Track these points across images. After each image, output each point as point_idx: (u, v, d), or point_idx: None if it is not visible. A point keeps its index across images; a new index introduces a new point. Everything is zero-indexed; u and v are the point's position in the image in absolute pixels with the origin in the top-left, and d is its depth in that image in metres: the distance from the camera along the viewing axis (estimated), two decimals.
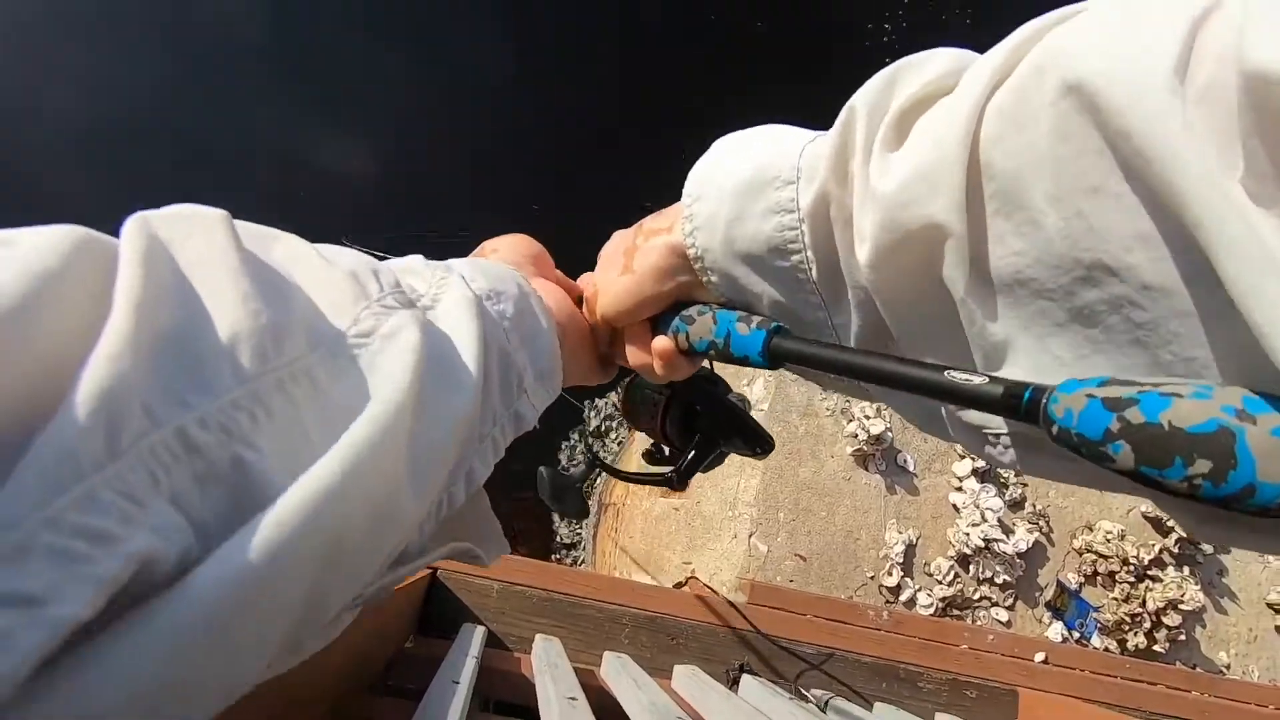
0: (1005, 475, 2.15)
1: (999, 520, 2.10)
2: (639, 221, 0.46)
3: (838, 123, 0.34)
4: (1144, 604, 2.10)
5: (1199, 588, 2.12)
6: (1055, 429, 0.24)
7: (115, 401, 0.17)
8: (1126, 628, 2.09)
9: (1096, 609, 2.14)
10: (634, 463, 2.53)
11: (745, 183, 0.37)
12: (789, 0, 3.75)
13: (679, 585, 2.06)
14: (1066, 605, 2.14)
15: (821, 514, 2.09)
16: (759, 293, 0.40)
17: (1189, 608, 2.07)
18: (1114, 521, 2.21)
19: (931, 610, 2.05)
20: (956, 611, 2.09)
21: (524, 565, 1.28)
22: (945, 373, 0.29)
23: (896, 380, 0.31)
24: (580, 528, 3.03)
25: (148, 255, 0.20)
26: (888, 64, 0.32)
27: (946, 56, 0.32)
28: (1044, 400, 0.24)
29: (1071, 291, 0.26)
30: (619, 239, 0.47)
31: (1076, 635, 2.12)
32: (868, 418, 2.11)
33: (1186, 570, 2.17)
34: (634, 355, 0.47)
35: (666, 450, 0.59)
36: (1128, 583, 2.13)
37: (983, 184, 0.28)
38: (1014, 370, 0.29)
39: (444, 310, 0.33)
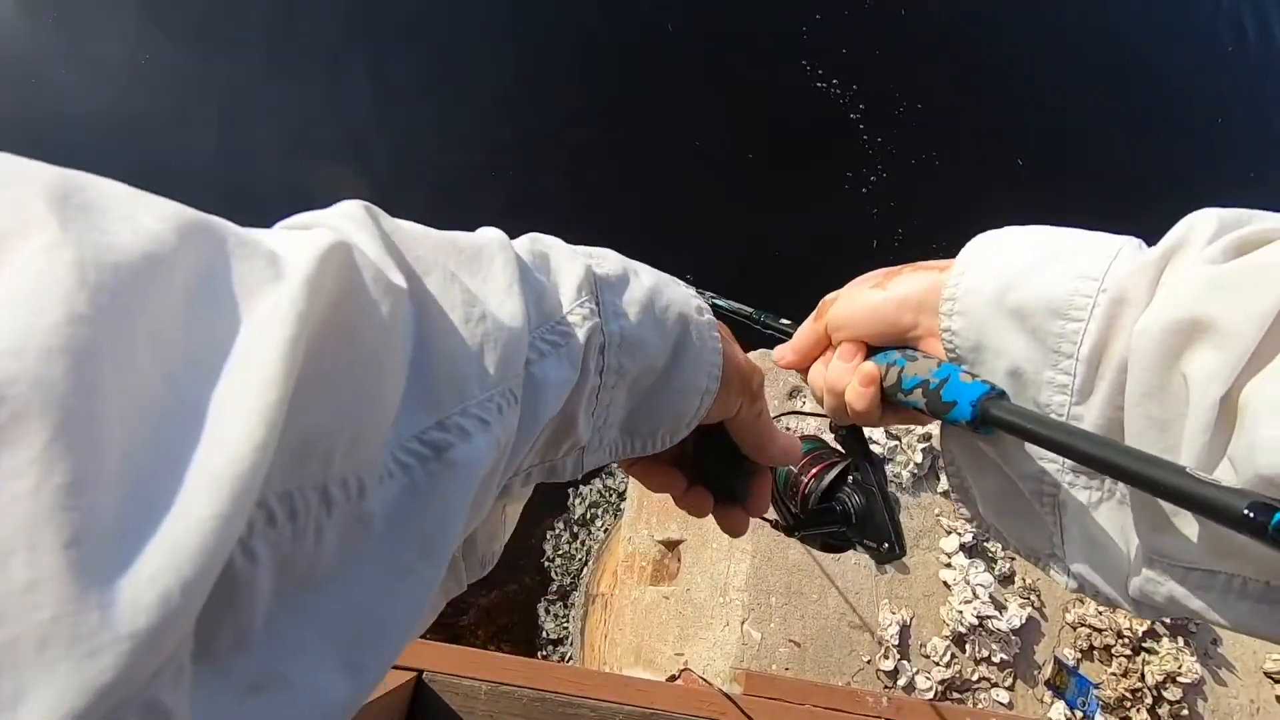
0: (993, 550, 2.15)
1: (990, 596, 2.08)
2: None
3: (1181, 223, 0.35)
4: (1143, 678, 2.07)
5: (1195, 659, 2.09)
6: None
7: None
8: (1129, 704, 2.05)
9: (1097, 685, 2.10)
10: (618, 553, 2.48)
11: (1059, 246, 0.38)
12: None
13: (672, 678, 1.99)
14: (1066, 683, 2.09)
15: (813, 597, 2.06)
16: (1003, 353, 0.39)
17: (1188, 680, 2.04)
18: None
19: (931, 694, 2.00)
20: (956, 694, 2.03)
21: (512, 664, 1.24)
22: (1187, 470, 0.28)
23: (1122, 472, 0.30)
24: (567, 621, 2.93)
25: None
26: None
27: None
28: None
29: None
30: (886, 269, 0.47)
31: (1080, 714, 2.07)
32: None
33: (1181, 641, 2.15)
34: (834, 372, 0.46)
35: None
36: (1124, 656, 2.10)
37: None
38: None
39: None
